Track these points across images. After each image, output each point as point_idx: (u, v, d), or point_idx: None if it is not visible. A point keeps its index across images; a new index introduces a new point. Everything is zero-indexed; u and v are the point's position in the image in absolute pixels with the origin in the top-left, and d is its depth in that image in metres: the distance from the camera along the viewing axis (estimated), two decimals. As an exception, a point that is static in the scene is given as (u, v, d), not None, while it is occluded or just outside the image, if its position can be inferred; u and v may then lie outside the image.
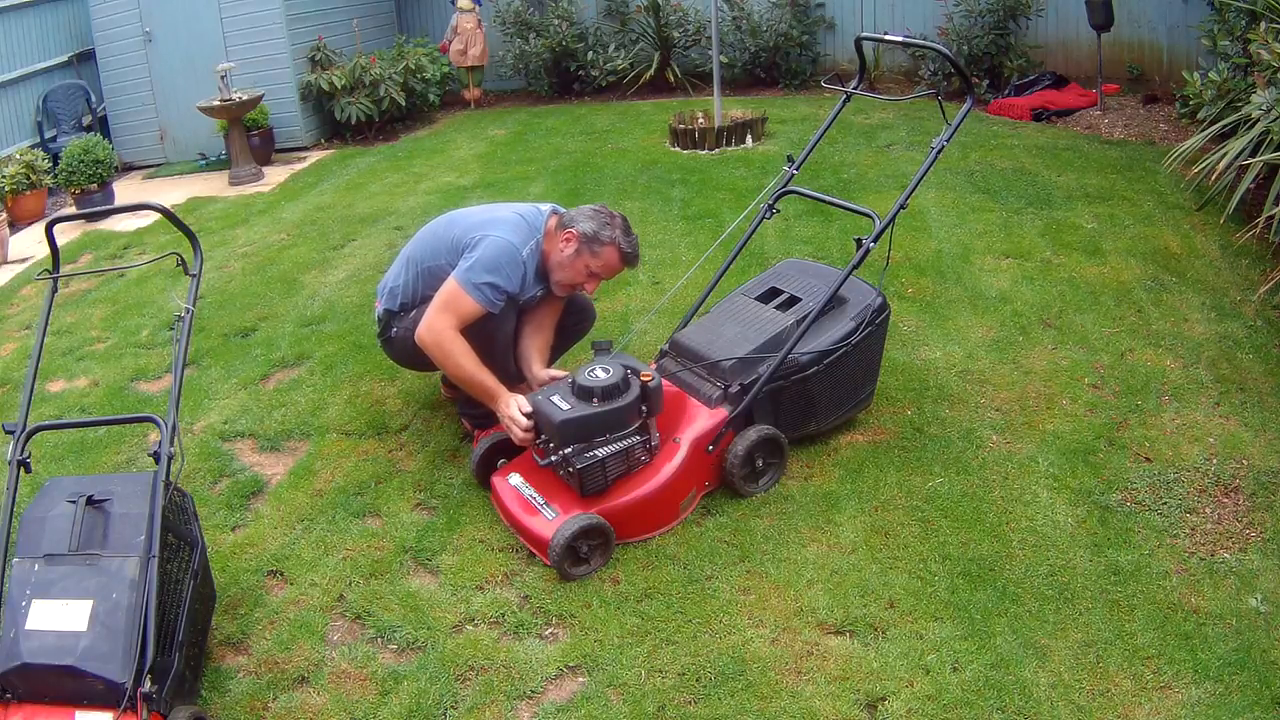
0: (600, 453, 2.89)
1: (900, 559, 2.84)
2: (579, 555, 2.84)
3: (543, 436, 3.02)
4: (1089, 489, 3.09)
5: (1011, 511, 3.01)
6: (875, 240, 3.22)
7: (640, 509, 2.96)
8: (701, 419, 3.10)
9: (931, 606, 2.66)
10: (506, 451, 3.25)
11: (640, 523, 2.97)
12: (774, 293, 3.46)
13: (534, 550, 2.95)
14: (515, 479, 3.11)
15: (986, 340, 4.01)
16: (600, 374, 2.97)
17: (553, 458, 2.94)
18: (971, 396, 3.63)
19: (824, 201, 3.56)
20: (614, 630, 2.66)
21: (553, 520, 2.90)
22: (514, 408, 3.06)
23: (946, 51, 3.48)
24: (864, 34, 3.63)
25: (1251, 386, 3.57)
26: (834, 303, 3.29)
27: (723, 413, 3.11)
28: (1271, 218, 4.15)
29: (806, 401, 3.27)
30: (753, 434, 3.09)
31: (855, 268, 3.25)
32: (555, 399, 2.97)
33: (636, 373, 3.01)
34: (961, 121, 3.32)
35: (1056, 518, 2.96)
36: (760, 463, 3.13)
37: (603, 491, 2.94)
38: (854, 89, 3.63)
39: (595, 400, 2.92)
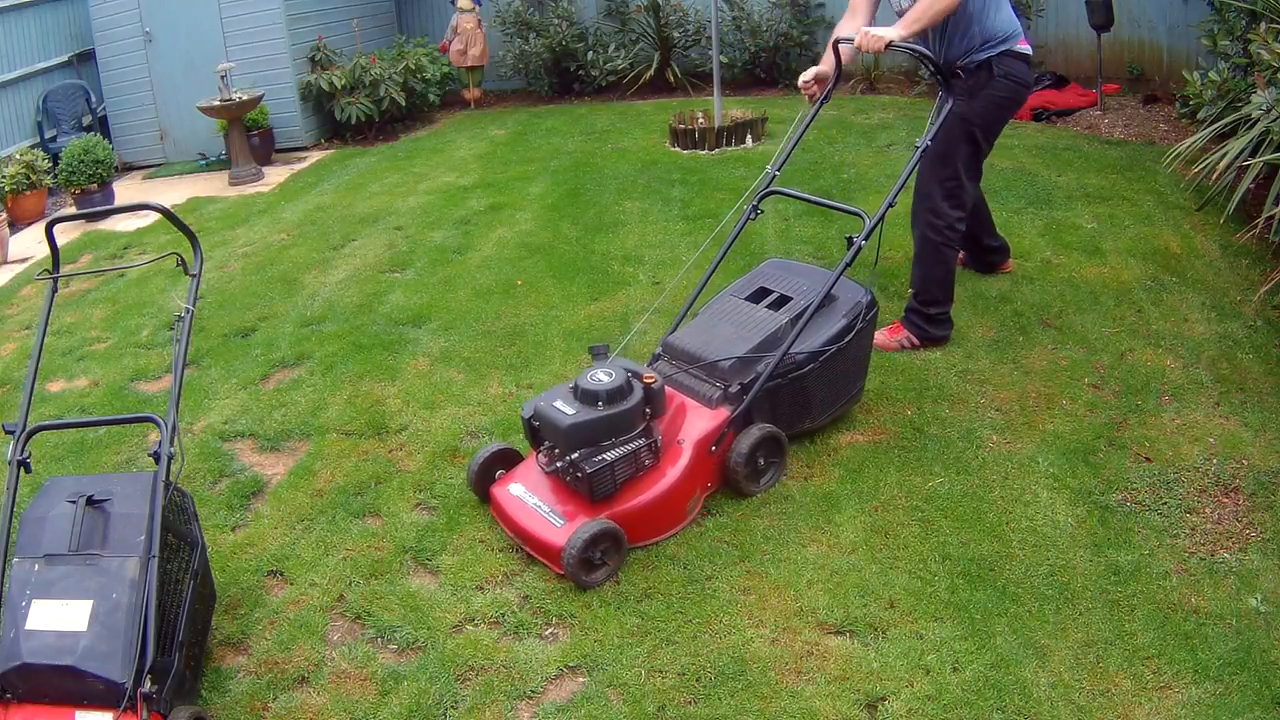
0: (609, 456, 2.87)
1: (900, 559, 2.84)
2: (593, 562, 2.81)
3: (547, 442, 3.00)
4: (1089, 489, 3.09)
5: (1011, 511, 3.01)
6: (866, 238, 3.25)
7: (648, 512, 2.94)
8: (703, 420, 3.09)
9: (931, 606, 2.66)
10: (504, 461, 3.22)
11: (648, 526, 2.96)
12: (763, 292, 3.46)
13: (543, 560, 2.90)
14: (517, 488, 3.06)
15: (986, 340, 4.01)
16: (603, 377, 2.95)
17: (559, 463, 2.92)
18: (971, 396, 3.63)
19: (809, 201, 3.60)
20: (614, 630, 2.66)
21: (562, 528, 2.86)
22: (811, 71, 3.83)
23: (926, 52, 3.52)
24: (841, 36, 3.64)
25: (1251, 386, 3.57)
26: (824, 301, 3.30)
27: (724, 413, 3.10)
28: (1271, 218, 4.14)
29: (803, 399, 3.27)
30: (755, 432, 3.09)
31: (848, 265, 3.26)
32: (559, 404, 2.94)
33: (639, 375, 3.01)
34: (943, 122, 3.42)
35: (1056, 518, 2.96)
36: (762, 461, 3.13)
37: (612, 495, 2.92)
38: (827, 92, 3.75)
39: (600, 404, 2.90)
